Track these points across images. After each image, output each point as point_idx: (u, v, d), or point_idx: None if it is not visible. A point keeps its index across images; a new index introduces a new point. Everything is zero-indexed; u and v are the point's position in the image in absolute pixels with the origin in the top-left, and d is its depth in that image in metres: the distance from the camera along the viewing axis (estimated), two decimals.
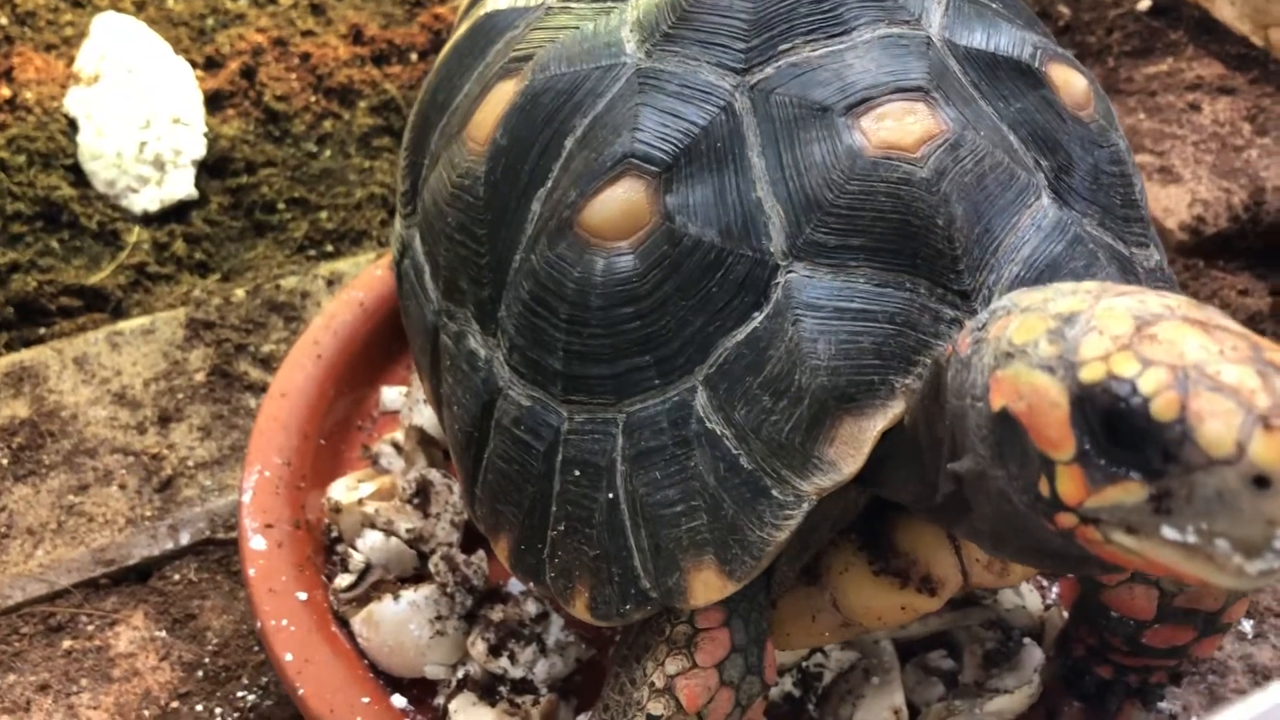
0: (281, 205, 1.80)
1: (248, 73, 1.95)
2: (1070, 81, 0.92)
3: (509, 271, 0.94)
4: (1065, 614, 1.19)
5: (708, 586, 0.84)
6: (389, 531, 1.25)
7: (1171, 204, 1.81)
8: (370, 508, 1.26)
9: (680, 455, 0.85)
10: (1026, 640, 1.16)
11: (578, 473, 0.89)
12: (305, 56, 1.98)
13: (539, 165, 0.93)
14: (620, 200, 0.86)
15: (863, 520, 0.95)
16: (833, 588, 0.95)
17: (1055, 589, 1.25)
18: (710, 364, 0.84)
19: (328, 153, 1.89)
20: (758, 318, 0.83)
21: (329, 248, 1.76)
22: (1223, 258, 1.76)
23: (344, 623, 1.21)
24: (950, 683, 1.15)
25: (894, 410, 0.80)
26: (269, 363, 1.55)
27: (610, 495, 0.87)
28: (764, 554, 0.82)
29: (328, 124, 1.92)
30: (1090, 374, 0.63)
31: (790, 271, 0.82)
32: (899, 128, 0.82)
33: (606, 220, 0.86)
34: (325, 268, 1.69)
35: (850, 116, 0.84)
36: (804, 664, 1.16)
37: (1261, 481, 0.56)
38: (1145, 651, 1.03)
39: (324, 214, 1.80)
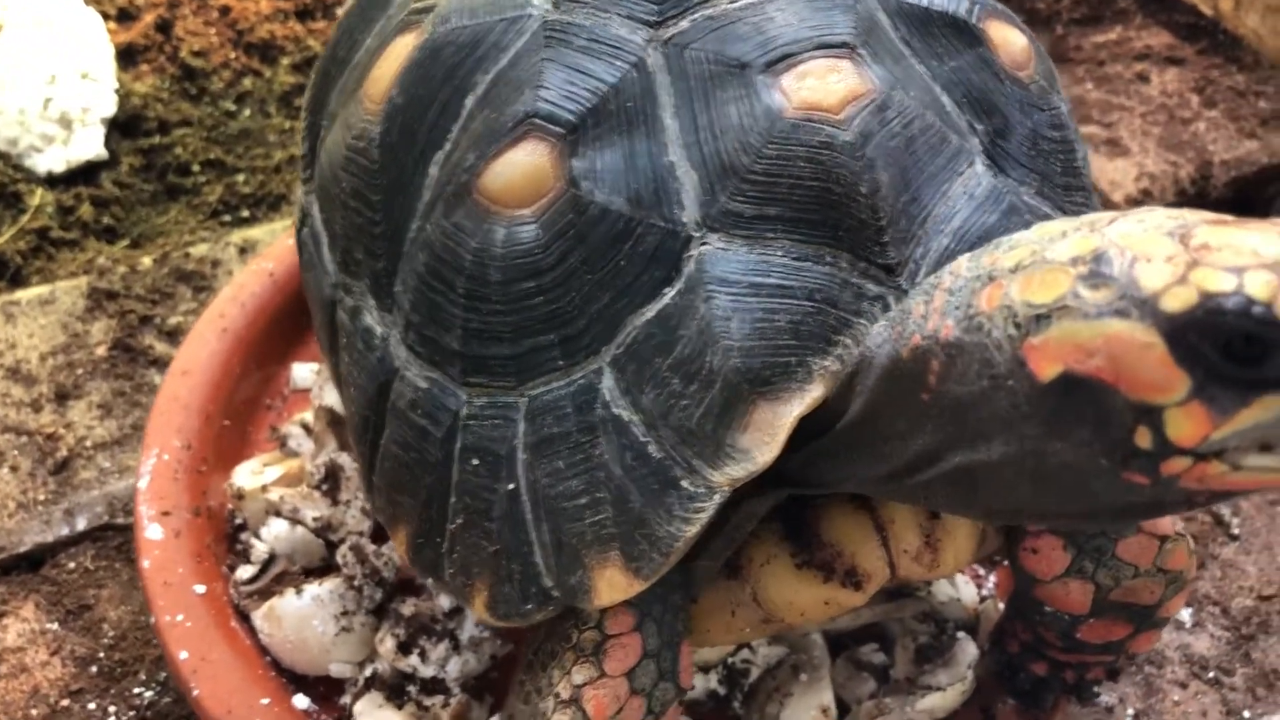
0: (196, 167, 1.70)
1: (163, 26, 1.84)
2: (1009, 40, 0.85)
3: (404, 242, 0.86)
4: (1001, 606, 1.13)
5: (613, 585, 0.77)
6: (295, 520, 1.17)
7: (1118, 177, 1.75)
8: (275, 494, 1.18)
9: (585, 443, 0.77)
10: (961, 634, 1.10)
11: (476, 461, 0.82)
12: (225, 10, 1.88)
13: (437, 126, 0.85)
14: (522, 164, 0.78)
15: (787, 508, 0.88)
16: (753, 581, 0.89)
17: (992, 579, 1.20)
18: (618, 344, 0.77)
19: (247, 112, 1.79)
20: (669, 293, 0.76)
21: (245, 213, 1.67)
22: None
23: (245, 617, 1.13)
24: (882, 678, 1.09)
25: (812, 395, 0.73)
26: (175, 336, 1.46)
27: (510, 486, 0.80)
28: (672, 550, 0.75)
29: (247, 81, 1.82)
30: (1177, 302, 0.57)
31: (704, 243, 0.75)
32: (821, 87, 0.75)
33: (507, 186, 0.79)
34: (239, 235, 1.59)
35: (769, 74, 0.76)
36: (730, 660, 1.09)
37: None
38: (1080, 647, 0.98)
39: (241, 177, 1.71)
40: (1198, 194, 1.73)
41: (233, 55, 1.83)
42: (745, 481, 0.74)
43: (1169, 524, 0.90)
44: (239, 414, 1.29)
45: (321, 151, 0.98)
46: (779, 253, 0.75)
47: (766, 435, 0.73)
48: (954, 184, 0.77)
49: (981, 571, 1.20)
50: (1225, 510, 1.33)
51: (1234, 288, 0.57)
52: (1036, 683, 1.04)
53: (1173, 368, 0.58)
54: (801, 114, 0.75)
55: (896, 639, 1.12)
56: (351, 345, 0.92)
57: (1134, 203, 1.71)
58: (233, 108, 1.80)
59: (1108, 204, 1.71)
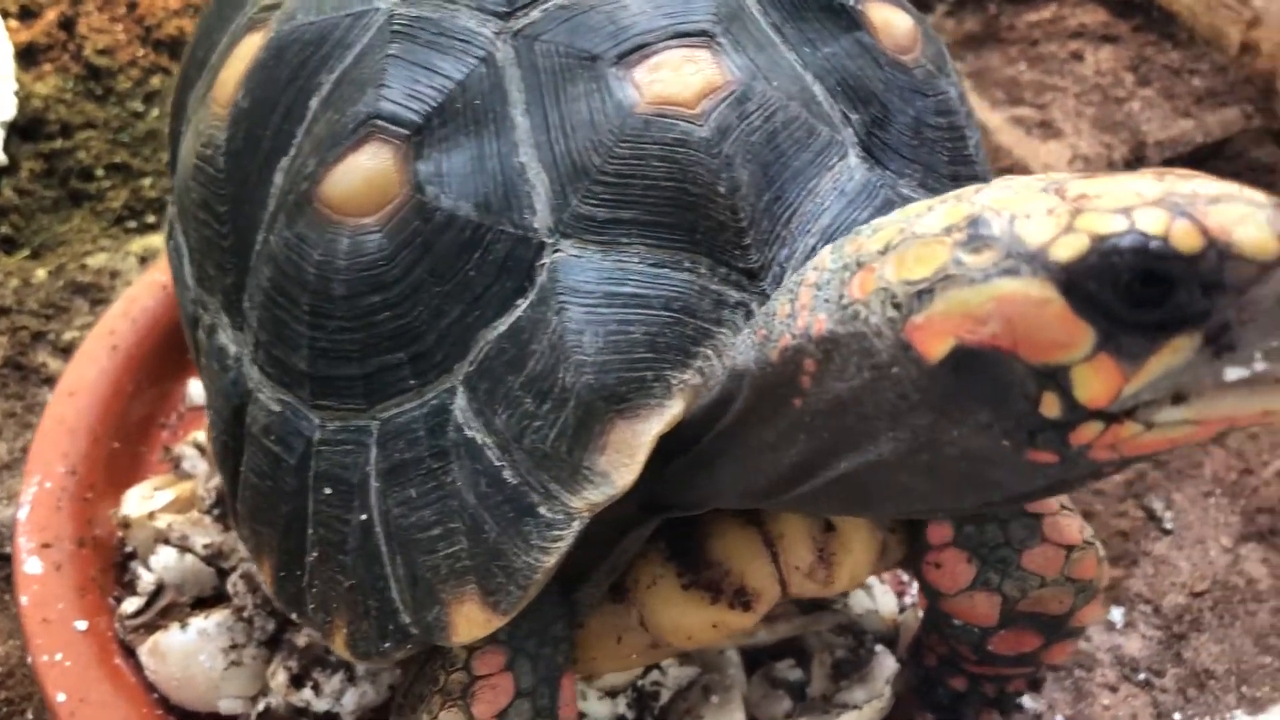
0: (100, 171, 1.61)
1: (66, 23, 1.75)
2: (891, 22, 0.79)
3: (251, 256, 0.80)
4: (921, 615, 1.08)
5: (471, 621, 0.71)
6: (184, 548, 1.10)
7: (1052, 159, 1.70)
8: (163, 521, 1.11)
9: (437, 469, 0.72)
10: (879, 648, 1.05)
11: (329, 490, 0.76)
12: (132, 5, 1.78)
13: (282, 130, 0.78)
14: (364, 169, 0.72)
15: (673, 526, 0.83)
16: (639, 605, 0.83)
17: (915, 587, 1.14)
18: (471, 361, 0.71)
19: (155, 112, 1.70)
20: (521, 305, 0.70)
21: (150, 219, 1.59)
22: None
23: (132, 653, 1.06)
24: (798, 695, 1.03)
25: (672, 411, 0.68)
26: (70, 352, 1.39)
27: (364, 517, 0.74)
28: (531, 582, 0.69)
29: (156, 80, 1.74)
30: (1069, 250, 0.54)
31: (557, 250, 0.69)
32: (676, 79, 0.69)
33: (349, 193, 0.73)
34: (140, 243, 1.52)
35: (622, 67, 0.70)
36: (639, 683, 1.03)
37: None
38: (994, 659, 0.93)
39: (147, 181, 1.62)
40: None
41: (140, 53, 1.74)
42: (605, 506, 0.68)
43: (1076, 533, 0.85)
44: (130, 435, 1.22)
45: (179, 160, 0.92)
46: (635, 259, 0.69)
47: (625, 456, 0.67)
48: (823, 179, 0.71)
49: (905, 578, 1.15)
50: (1158, 504, 1.29)
51: (1126, 227, 0.53)
52: (955, 697, 0.99)
53: (1073, 320, 0.54)
54: (654, 109, 0.69)
55: (814, 654, 1.06)
56: (209, 366, 0.86)
57: None
58: (140, 108, 1.71)
59: None
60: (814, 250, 0.69)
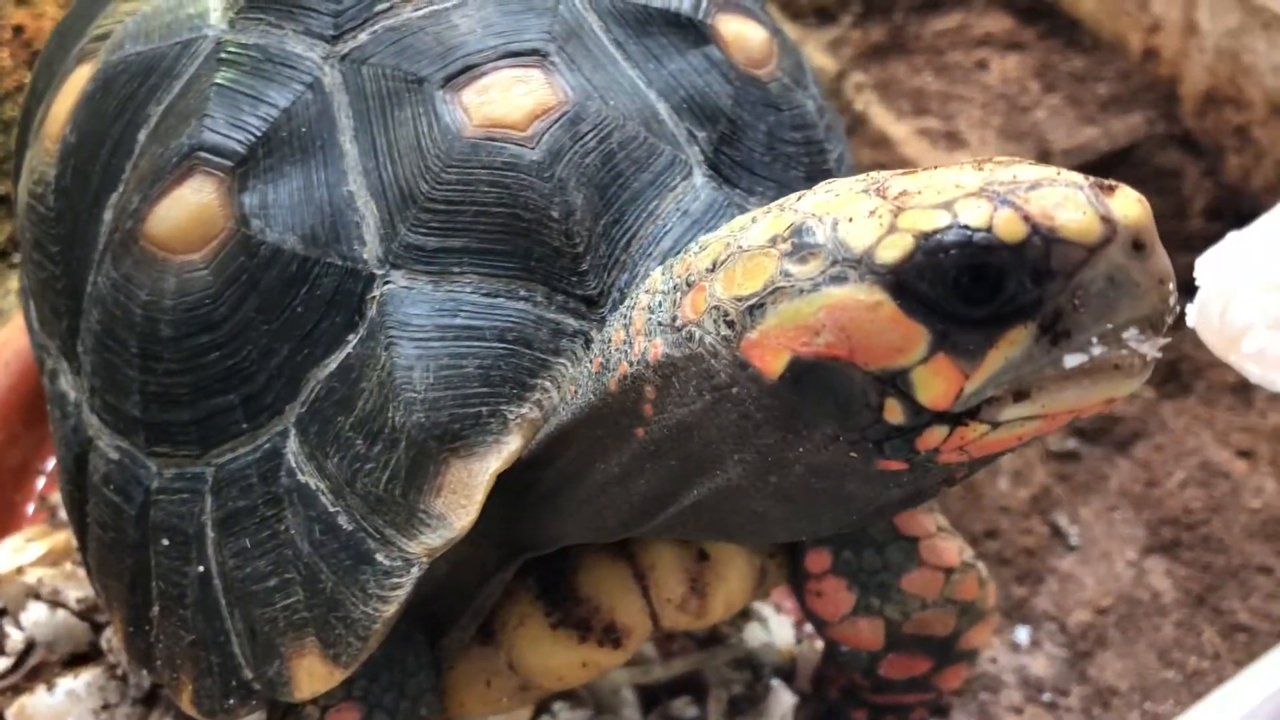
0: None
1: None
2: (743, 35, 0.76)
3: (84, 298, 0.75)
4: (819, 647, 1.05)
5: (313, 675, 0.67)
6: (55, 603, 1.04)
7: None
8: (33, 576, 1.05)
9: (271, 517, 0.67)
10: (775, 682, 1.01)
11: (167, 542, 0.71)
12: (18, 29, 1.71)
13: (111, 165, 0.74)
14: (188, 203, 0.68)
15: (541, 561, 0.79)
16: (508, 645, 0.79)
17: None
18: (302, 401, 0.67)
19: None
20: (351, 341, 0.66)
21: None
22: None
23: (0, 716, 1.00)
24: None
25: (510, 448, 0.64)
26: None
27: (201, 569, 0.70)
28: (371, 633, 0.65)
29: None
30: (895, 251, 0.51)
31: (388, 282, 0.65)
32: (505, 101, 0.66)
33: (174, 228, 0.68)
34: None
35: (449, 89, 0.67)
36: None
37: (1139, 245, 0.50)
38: (888, 685, 0.89)
39: None
40: None
41: (26, 78, 1.66)
42: (444, 550, 0.64)
43: (955, 555, 0.82)
44: (3, 484, 1.16)
45: (17, 198, 0.87)
46: (468, 289, 0.65)
47: (462, 497, 0.63)
48: (664, 200, 0.67)
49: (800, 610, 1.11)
50: (1063, 520, 1.26)
51: (948, 222, 0.50)
52: None
53: (906, 323, 0.51)
54: (483, 132, 0.65)
55: (710, 689, 1.02)
56: (53, 414, 0.82)
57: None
58: None
59: None
60: None
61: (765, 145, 0.74)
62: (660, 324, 0.59)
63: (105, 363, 0.72)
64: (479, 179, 0.65)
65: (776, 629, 1.06)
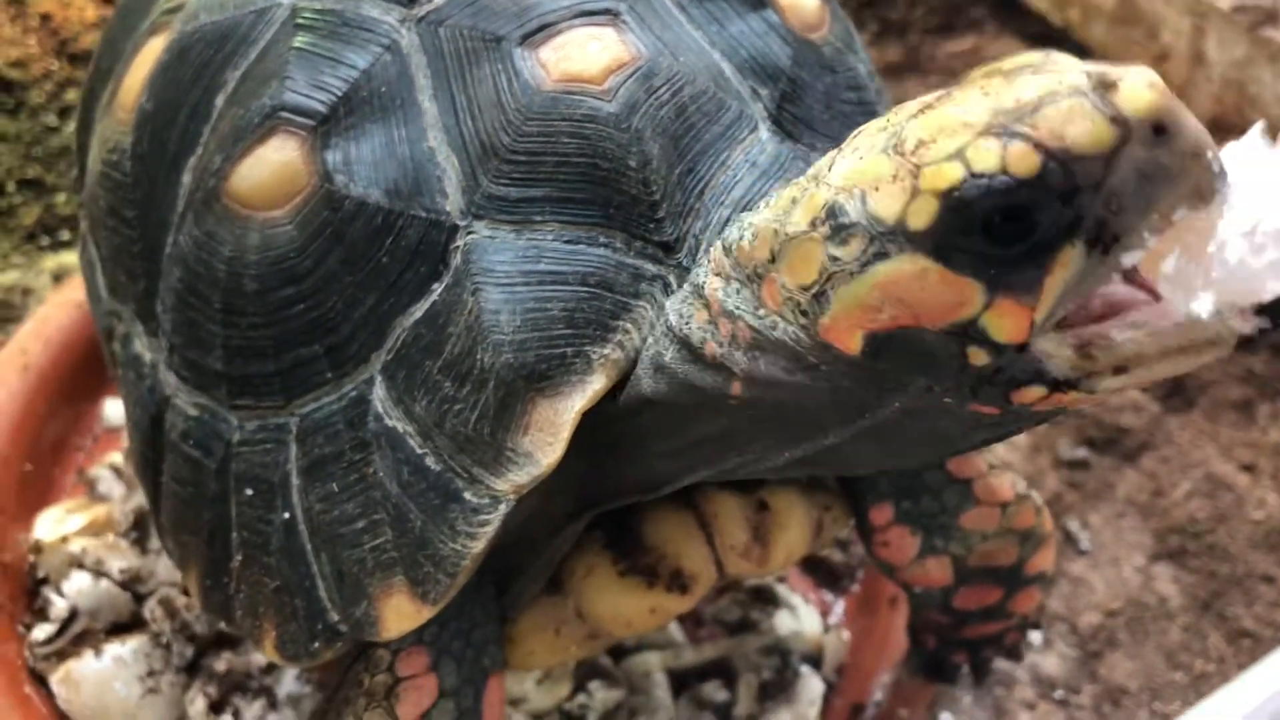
0: (12, 187, 1.50)
1: None
2: (798, 2, 0.76)
3: (162, 258, 0.74)
4: (846, 635, 1.05)
5: (400, 614, 0.66)
6: (99, 573, 1.03)
7: None
8: (76, 545, 1.04)
9: (359, 461, 0.66)
10: (804, 669, 1.01)
11: (250, 492, 0.70)
12: (46, 17, 1.68)
13: (188, 130, 0.73)
14: (271, 161, 0.67)
15: (607, 513, 0.78)
16: (576, 594, 0.78)
17: (840, 607, 1.11)
18: (388, 349, 0.66)
19: (69, 127, 1.59)
20: (436, 290, 0.65)
21: (64, 236, 1.48)
22: None
23: (43, 681, 0.98)
24: (724, 717, 0.99)
25: (594, 386, 0.63)
26: None
27: (287, 515, 0.69)
28: (460, 569, 0.64)
29: (70, 94, 1.63)
30: (921, 218, 0.50)
31: (470, 232, 0.65)
32: (582, 57, 0.65)
33: (257, 186, 0.68)
34: (54, 260, 1.42)
35: (527, 47, 0.66)
36: (566, 706, 0.98)
37: (1159, 130, 0.47)
38: (967, 617, 0.91)
39: (61, 197, 1.52)
40: None
41: (55, 66, 1.64)
42: (531, 486, 0.64)
43: (1008, 489, 0.83)
44: (43, 458, 1.13)
45: (87, 170, 0.86)
46: (549, 236, 0.64)
47: (549, 435, 0.63)
48: (734, 152, 0.67)
49: (829, 598, 1.11)
50: (1074, 525, 1.26)
51: (964, 173, 0.48)
52: (957, 669, 0.98)
53: (957, 280, 0.50)
54: (561, 86, 0.65)
55: (740, 675, 1.02)
56: (126, 377, 0.80)
57: None
58: (54, 122, 1.61)
59: None
60: (729, 222, 0.65)
61: (823, 104, 0.74)
62: (740, 309, 0.59)
63: (187, 320, 0.72)
64: (559, 130, 0.64)
65: (805, 617, 1.06)
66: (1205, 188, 0.47)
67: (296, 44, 0.70)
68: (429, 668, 0.72)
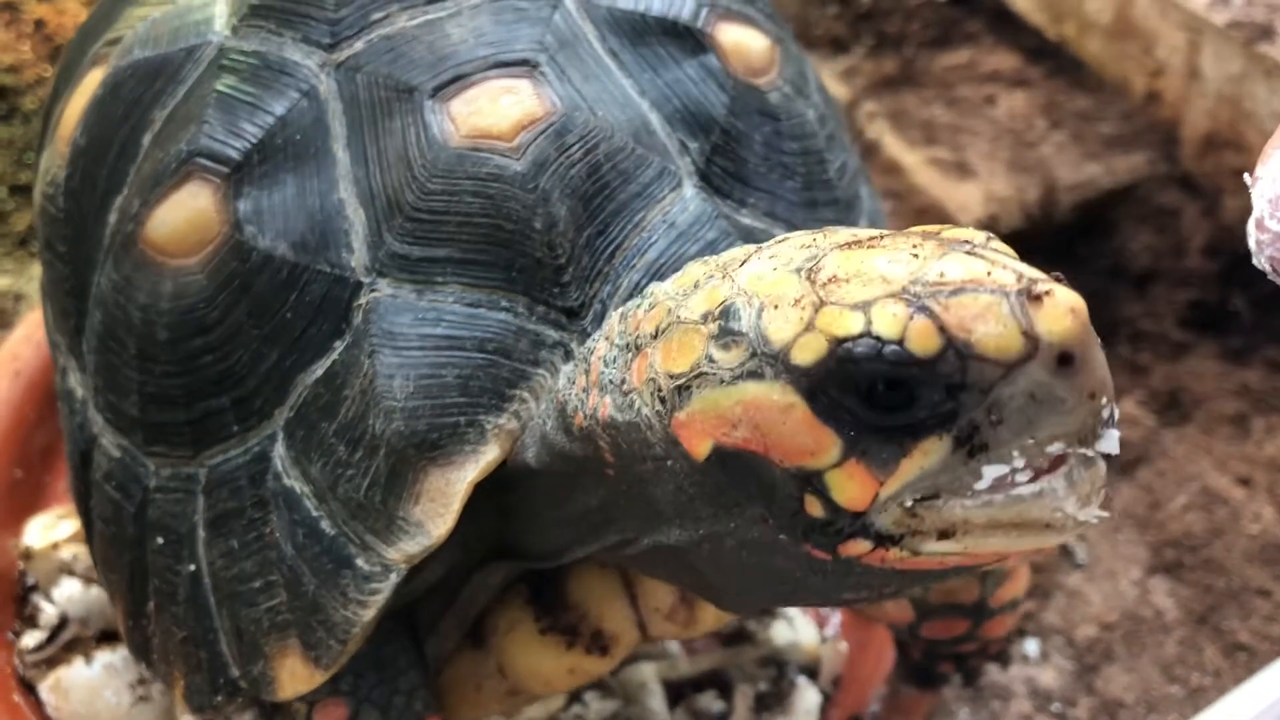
0: (4, 193, 1.48)
1: None
2: (743, 44, 0.70)
3: (89, 298, 0.71)
4: (842, 647, 1.00)
5: (295, 676, 0.62)
6: (89, 579, 1.00)
7: (966, 200, 1.61)
8: (67, 552, 1.02)
9: (258, 520, 0.62)
10: (801, 679, 0.97)
11: (161, 540, 0.67)
12: (40, 23, 1.66)
13: (116, 169, 0.70)
14: (185, 208, 0.64)
15: (534, 569, 0.73)
16: (498, 650, 0.73)
17: (836, 618, 1.05)
18: (290, 406, 0.62)
19: None
20: (338, 348, 0.61)
21: None
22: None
23: (32, 689, 0.96)
24: None
25: (487, 457, 0.59)
26: None
27: (193, 568, 0.65)
28: (350, 636, 0.60)
29: None
30: (809, 354, 0.45)
31: (374, 290, 0.60)
32: (493, 111, 0.61)
33: (171, 234, 0.64)
34: None
35: (439, 99, 0.62)
36: (560, 717, 0.94)
37: (1066, 360, 0.43)
38: (938, 644, 0.87)
39: None
40: (1044, 217, 1.59)
41: (47, 71, 1.60)
42: (422, 557, 0.59)
43: None
44: (33, 464, 1.11)
45: (33, 197, 0.83)
46: (450, 298, 0.60)
47: (440, 505, 0.58)
48: (651, 212, 0.62)
49: (825, 610, 1.06)
50: (1070, 538, 1.20)
51: (861, 328, 0.44)
52: (944, 677, 0.94)
53: (819, 428, 0.45)
54: (469, 143, 0.60)
55: (736, 686, 0.98)
56: (62, 409, 0.77)
57: (982, 227, 1.57)
58: None
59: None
60: (639, 285, 0.60)
61: (761, 156, 0.68)
62: (611, 382, 0.54)
63: (107, 363, 0.68)
64: (463, 189, 0.60)
65: (801, 628, 1.02)
66: (1088, 432, 0.43)
67: (218, 87, 0.66)
68: (348, 719, 0.68)
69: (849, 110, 1.70)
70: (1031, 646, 1.12)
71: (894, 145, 1.69)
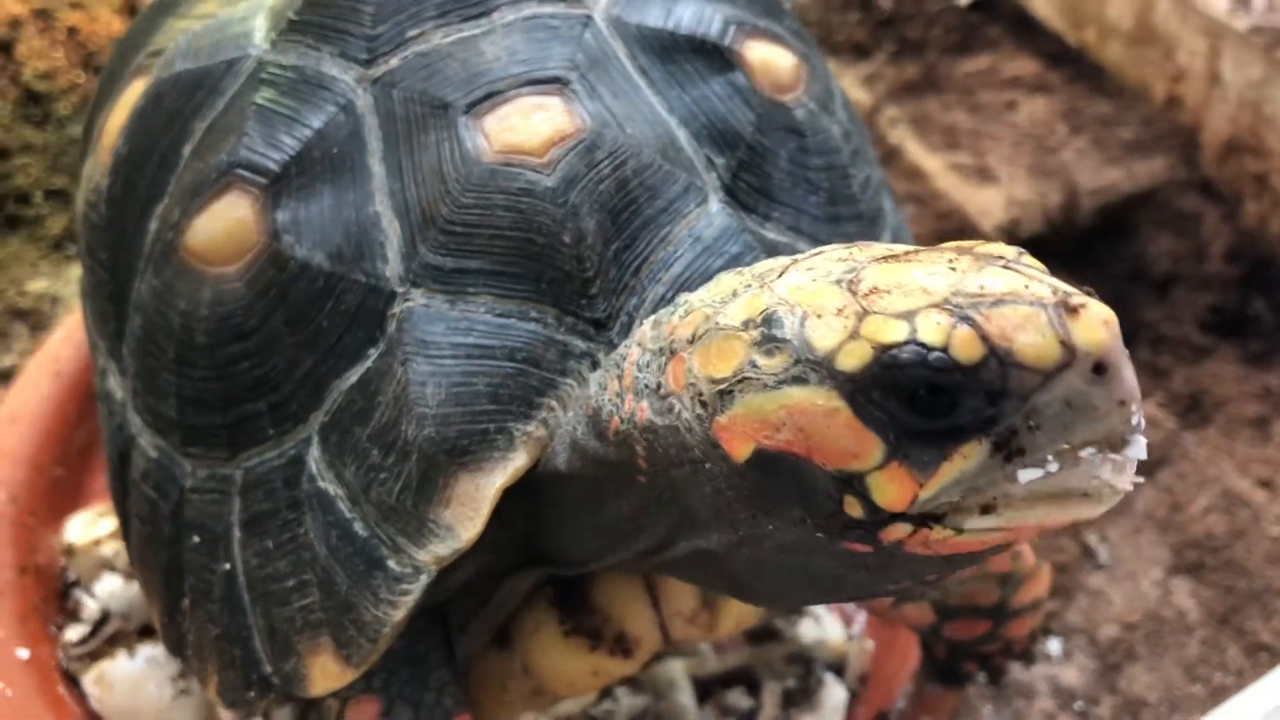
0: (39, 197, 1.50)
1: (5, 46, 1.60)
2: (770, 61, 0.72)
3: (129, 302, 0.72)
4: (869, 644, 1.01)
5: (326, 674, 0.64)
6: (130, 575, 1.02)
7: (988, 205, 1.62)
8: (108, 549, 1.04)
9: (292, 521, 0.64)
10: (828, 677, 0.98)
11: (197, 539, 0.68)
12: (72, 30, 1.68)
13: (157, 178, 0.71)
14: (224, 218, 0.65)
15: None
16: (523, 650, 0.75)
17: (861, 616, 1.06)
18: (325, 411, 0.64)
19: None
20: (372, 355, 0.62)
21: None
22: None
23: (75, 682, 0.98)
24: None
25: (515, 463, 0.60)
26: (9, 379, 1.30)
27: (228, 566, 0.67)
28: (380, 636, 0.61)
29: None
30: (854, 360, 0.47)
31: (407, 300, 0.62)
32: (524, 127, 0.62)
33: (211, 242, 0.65)
34: (79, 269, 1.42)
35: (472, 115, 0.63)
36: (591, 711, 0.96)
37: (1100, 369, 0.45)
38: (961, 644, 0.88)
39: None
40: (1065, 221, 1.60)
41: (81, 78, 1.62)
42: (451, 559, 0.61)
43: None
44: (73, 462, 1.14)
45: (76, 203, 0.85)
46: (481, 309, 0.61)
47: (470, 510, 0.60)
48: (676, 226, 0.63)
49: (850, 607, 1.07)
50: (1093, 539, 1.20)
51: (906, 336, 0.46)
52: (968, 675, 0.94)
53: (862, 431, 0.47)
54: (501, 158, 0.62)
55: (764, 683, 0.99)
56: (101, 411, 0.79)
57: (1003, 231, 1.58)
58: (79, 133, 1.60)
59: (977, 233, 1.57)
60: (664, 298, 0.61)
61: (786, 171, 0.69)
62: (647, 387, 0.55)
63: (146, 366, 0.70)
64: (495, 203, 0.61)
65: (829, 626, 1.03)
66: (1119, 438, 0.46)
67: (257, 100, 0.67)
68: (380, 715, 0.70)
69: (870, 116, 1.71)
70: (1054, 646, 1.12)
71: (915, 151, 1.69)
